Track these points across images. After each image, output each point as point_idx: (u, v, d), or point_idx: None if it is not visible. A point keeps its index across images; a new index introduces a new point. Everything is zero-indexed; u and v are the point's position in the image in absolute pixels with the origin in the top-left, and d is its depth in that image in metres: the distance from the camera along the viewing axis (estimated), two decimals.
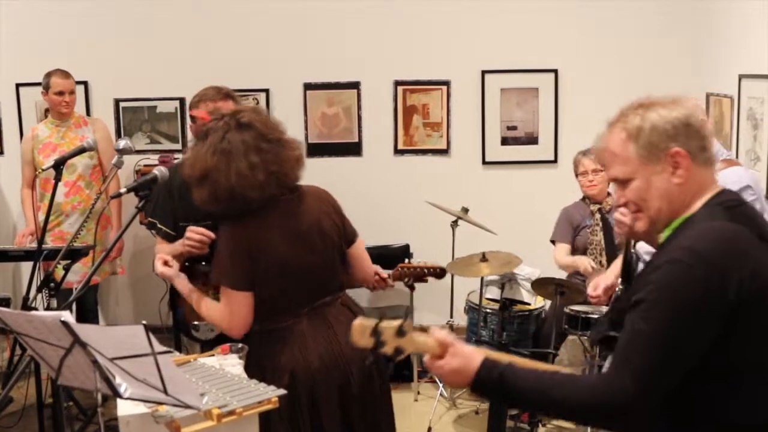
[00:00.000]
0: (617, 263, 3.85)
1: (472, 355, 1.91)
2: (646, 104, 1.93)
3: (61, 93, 4.97)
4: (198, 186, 2.84)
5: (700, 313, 1.73)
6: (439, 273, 3.45)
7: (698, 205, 1.89)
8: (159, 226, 3.52)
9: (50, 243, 4.70)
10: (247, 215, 2.82)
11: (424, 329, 2.07)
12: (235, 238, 2.83)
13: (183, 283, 3.07)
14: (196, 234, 3.29)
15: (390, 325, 1.95)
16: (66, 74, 5.02)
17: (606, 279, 3.71)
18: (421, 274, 3.45)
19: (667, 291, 1.76)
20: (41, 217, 4.80)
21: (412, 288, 3.54)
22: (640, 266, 3.42)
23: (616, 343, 1.84)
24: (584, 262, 4.56)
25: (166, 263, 3.12)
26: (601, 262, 4.68)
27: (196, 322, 3.48)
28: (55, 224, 4.92)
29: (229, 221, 2.86)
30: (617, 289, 3.60)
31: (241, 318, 2.87)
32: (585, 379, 1.83)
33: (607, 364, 3.60)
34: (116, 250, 5.16)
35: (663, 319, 1.74)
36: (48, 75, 4.98)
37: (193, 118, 3.62)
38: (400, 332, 1.95)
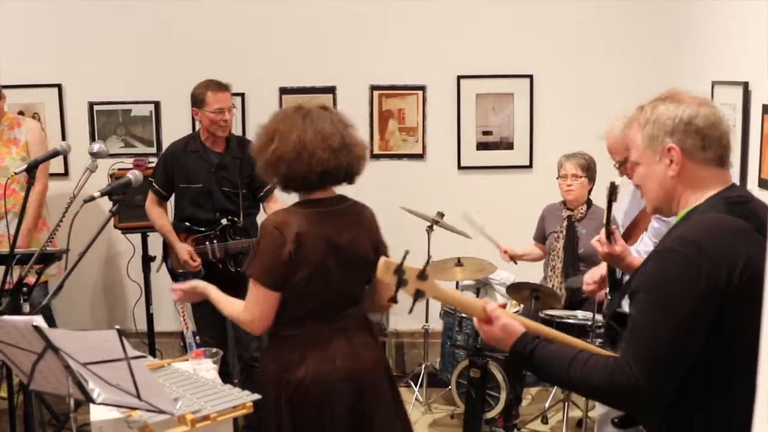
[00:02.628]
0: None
1: (514, 329, 2.06)
2: (664, 97, 2.03)
3: None
4: (263, 148, 2.83)
5: (696, 298, 1.81)
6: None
7: (704, 198, 1.99)
8: (154, 185, 4.45)
9: None
10: (295, 212, 2.80)
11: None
12: (276, 237, 2.74)
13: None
14: (186, 254, 4.34)
15: (413, 266, 2.05)
16: None
17: (601, 269, 3.60)
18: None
19: (662, 280, 1.86)
20: None
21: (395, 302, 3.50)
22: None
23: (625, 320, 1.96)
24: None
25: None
26: (554, 267, 4.67)
27: (180, 271, 4.47)
28: None
29: (276, 217, 2.81)
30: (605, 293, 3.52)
31: (268, 318, 2.79)
32: (603, 363, 1.90)
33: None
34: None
35: (661, 307, 1.84)
36: None
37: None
38: (422, 275, 2.05)
